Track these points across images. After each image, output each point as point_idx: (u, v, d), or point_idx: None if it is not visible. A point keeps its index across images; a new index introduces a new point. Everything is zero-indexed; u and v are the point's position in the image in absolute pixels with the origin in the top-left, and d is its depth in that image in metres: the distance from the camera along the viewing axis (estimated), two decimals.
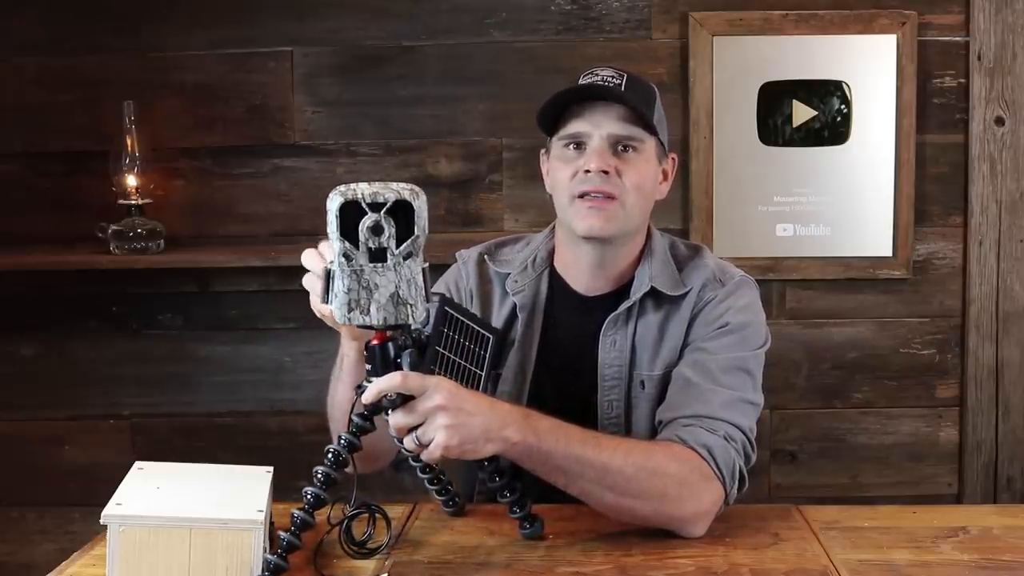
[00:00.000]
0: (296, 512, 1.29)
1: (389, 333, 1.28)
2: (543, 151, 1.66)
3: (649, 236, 1.67)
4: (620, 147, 1.55)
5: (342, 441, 1.31)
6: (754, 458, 1.52)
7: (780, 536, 1.46)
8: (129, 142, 2.42)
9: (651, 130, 1.57)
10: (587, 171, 1.54)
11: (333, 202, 1.21)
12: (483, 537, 1.47)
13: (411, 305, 1.24)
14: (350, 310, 1.22)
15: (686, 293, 1.61)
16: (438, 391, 1.28)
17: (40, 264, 2.44)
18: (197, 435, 2.60)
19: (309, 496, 1.29)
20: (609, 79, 1.55)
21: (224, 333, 2.60)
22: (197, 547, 1.23)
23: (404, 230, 1.22)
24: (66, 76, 2.52)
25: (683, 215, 2.52)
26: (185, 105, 2.53)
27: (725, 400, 1.50)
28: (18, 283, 2.54)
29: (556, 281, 1.68)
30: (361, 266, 1.21)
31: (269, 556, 1.25)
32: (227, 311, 2.59)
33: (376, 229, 1.21)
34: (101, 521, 1.24)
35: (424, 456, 1.31)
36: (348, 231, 1.21)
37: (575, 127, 1.56)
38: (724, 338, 1.56)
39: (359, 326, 1.25)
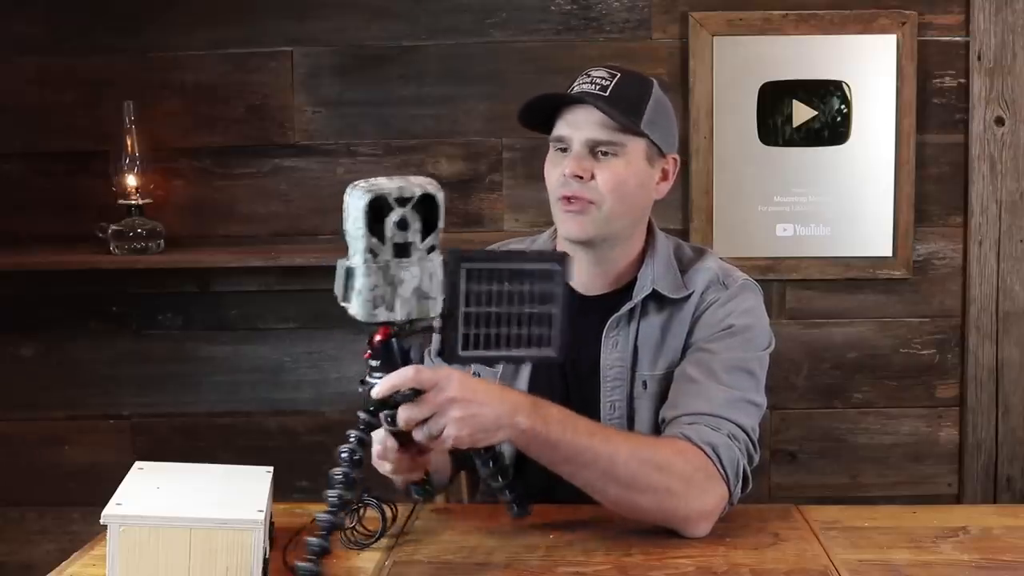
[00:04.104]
0: (322, 515, 1.26)
1: (393, 329, 1.28)
2: None
3: (652, 237, 1.67)
4: (600, 151, 1.56)
5: (351, 439, 1.30)
6: (757, 459, 1.52)
7: (780, 536, 1.46)
8: (129, 142, 2.42)
9: (634, 132, 1.56)
10: (565, 175, 1.56)
11: (359, 199, 1.20)
12: (483, 537, 1.47)
13: (432, 299, 1.25)
14: (375, 307, 1.22)
15: (688, 296, 1.61)
16: (449, 383, 1.28)
17: (40, 264, 2.44)
18: (197, 435, 2.60)
19: (333, 498, 1.26)
20: (599, 80, 1.56)
21: (224, 333, 2.60)
22: (197, 547, 1.23)
23: (425, 224, 1.23)
24: (66, 76, 2.52)
25: (683, 215, 2.52)
26: (185, 105, 2.53)
27: (728, 399, 1.51)
28: (18, 283, 2.54)
29: None
30: (387, 262, 1.22)
31: (302, 563, 1.23)
32: (227, 311, 2.59)
33: (402, 224, 1.21)
34: (101, 521, 1.23)
35: (435, 447, 1.32)
36: (369, 227, 1.21)
37: (559, 130, 1.59)
38: (727, 339, 1.57)
39: (383, 323, 1.25)
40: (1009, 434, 2.56)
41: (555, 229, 1.72)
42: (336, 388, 2.58)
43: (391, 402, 1.29)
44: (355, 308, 1.23)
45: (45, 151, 2.56)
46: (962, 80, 2.49)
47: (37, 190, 2.56)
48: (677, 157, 1.66)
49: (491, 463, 1.46)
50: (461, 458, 1.73)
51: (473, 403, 1.29)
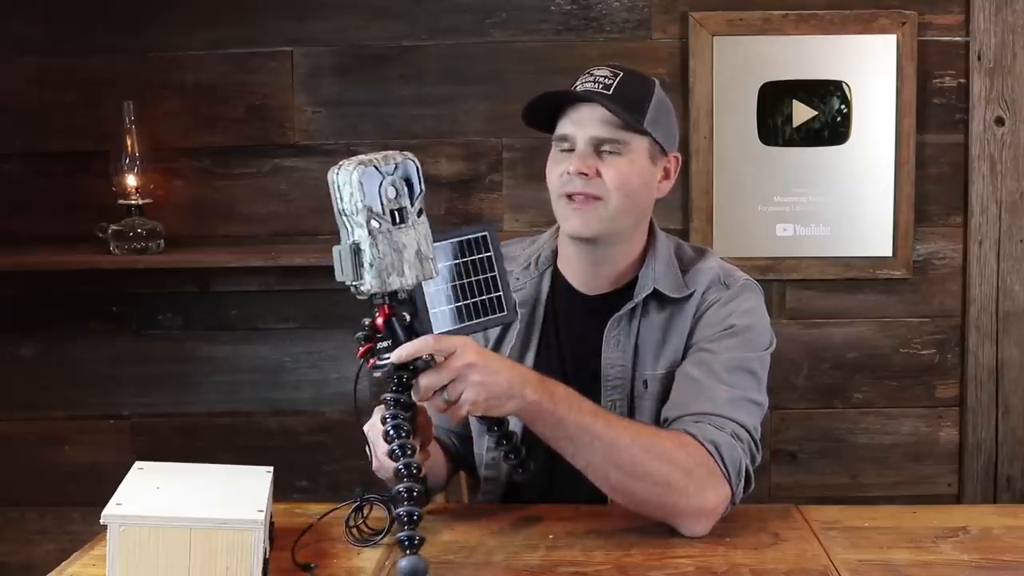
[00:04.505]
0: (400, 485, 1.26)
1: (391, 305, 1.29)
2: None
3: (653, 236, 1.67)
4: (604, 149, 1.56)
5: (388, 420, 1.30)
6: (759, 458, 1.53)
7: (780, 536, 1.46)
8: (129, 142, 2.42)
9: (638, 131, 1.57)
10: (569, 172, 1.56)
11: (351, 173, 1.22)
12: (483, 537, 1.47)
13: (431, 259, 1.28)
14: (388, 275, 1.24)
15: (690, 295, 1.61)
16: (467, 349, 1.31)
17: (40, 264, 2.44)
18: (197, 435, 2.60)
19: (403, 468, 1.27)
20: (602, 79, 1.56)
21: (224, 333, 2.60)
22: (197, 547, 1.23)
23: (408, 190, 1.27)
24: (66, 76, 2.52)
25: (683, 215, 2.52)
26: (185, 105, 2.53)
27: (730, 399, 1.51)
28: (18, 283, 2.54)
29: (558, 280, 1.69)
30: (389, 229, 1.24)
31: (403, 535, 1.23)
32: (227, 311, 2.59)
33: (395, 190, 1.24)
34: (101, 521, 1.23)
35: (450, 414, 1.34)
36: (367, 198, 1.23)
37: (562, 128, 1.59)
38: (728, 339, 1.57)
39: (394, 291, 1.26)
40: (1009, 434, 2.56)
41: (555, 229, 1.72)
42: (336, 388, 2.57)
43: (406, 381, 1.31)
44: (369, 282, 1.24)
45: (45, 151, 2.56)
46: (962, 80, 2.49)
47: (37, 190, 2.56)
48: (679, 156, 1.67)
49: (495, 427, 1.49)
50: (458, 459, 1.73)
51: (488, 369, 1.32)
